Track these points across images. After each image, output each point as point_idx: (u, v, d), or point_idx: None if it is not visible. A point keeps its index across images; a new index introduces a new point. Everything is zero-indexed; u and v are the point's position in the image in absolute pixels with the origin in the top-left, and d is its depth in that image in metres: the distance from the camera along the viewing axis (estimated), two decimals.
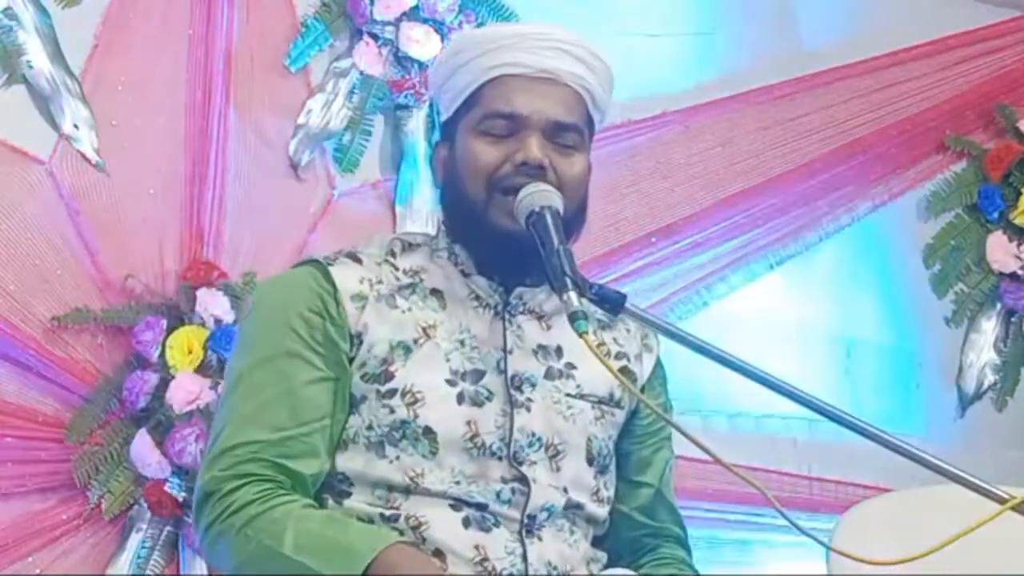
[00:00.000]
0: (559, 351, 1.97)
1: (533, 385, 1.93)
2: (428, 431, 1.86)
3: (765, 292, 3.78)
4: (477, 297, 1.96)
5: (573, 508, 1.93)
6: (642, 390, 2.03)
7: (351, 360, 1.90)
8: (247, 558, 1.79)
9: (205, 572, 2.99)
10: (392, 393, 1.88)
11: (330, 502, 1.89)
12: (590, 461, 1.96)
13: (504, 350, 1.94)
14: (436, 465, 1.86)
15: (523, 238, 1.87)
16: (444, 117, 2.03)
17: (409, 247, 2.00)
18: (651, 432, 2.07)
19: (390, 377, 1.88)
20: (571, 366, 1.97)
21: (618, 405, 2.02)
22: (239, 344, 1.98)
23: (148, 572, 2.97)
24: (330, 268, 1.93)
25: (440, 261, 1.99)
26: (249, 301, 2.99)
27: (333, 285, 1.91)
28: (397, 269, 1.97)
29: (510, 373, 1.92)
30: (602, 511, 1.98)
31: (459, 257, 1.98)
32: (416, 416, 1.86)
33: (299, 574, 1.73)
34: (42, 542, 2.91)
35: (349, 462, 1.89)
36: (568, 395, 1.96)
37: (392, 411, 1.87)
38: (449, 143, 1.99)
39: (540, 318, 1.98)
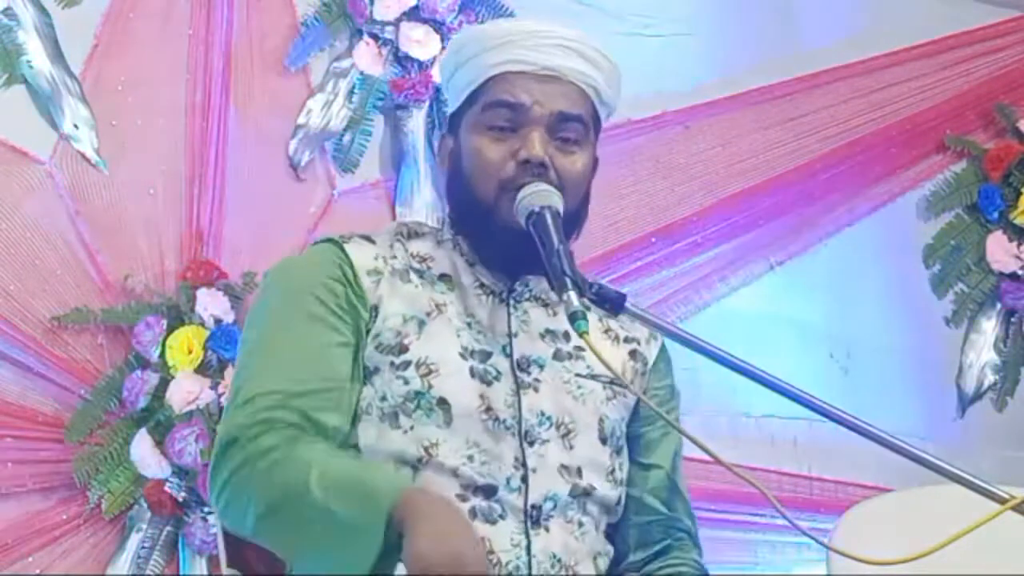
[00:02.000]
0: (567, 336, 1.97)
1: (541, 366, 1.94)
2: (442, 401, 1.86)
3: (765, 292, 3.77)
4: (482, 285, 1.97)
5: (581, 495, 1.91)
6: (649, 372, 2.06)
7: (367, 330, 1.90)
8: (272, 501, 1.74)
9: (205, 572, 2.99)
10: (407, 365, 1.88)
11: None
12: (604, 440, 1.95)
13: (509, 335, 1.94)
14: (451, 434, 1.85)
15: (527, 234, 1.87)
16: (450, 110, 2.04)
17: (416, 234, 2.02)
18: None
19: (404, 350, 1.89)
20: (580, 349, 1.97)
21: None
22: (256, 315, 1.96)
23: (148, 572, 2.97)
24: (345, 245, 1.95)
25: (446, 249, 2.00)
26: (249, 300, 3.02)
27: (350, 260, 1.93)
28: (407, 251, 1.99)
29: (516, 356, 1.93)
30: (615, 493, 1.97)
31: (464, 248, 1.99)
32: (431, 387, 1.86)
33: (323, 512, 1.68)
34: (42, 542, 2.91)
35: (363, 434, 1.88)
36: (578, 375, 1.96)
37: (407, 382, 1.87)
38: (454, 136, 2.00)
39: (546, 305, 1.99)
